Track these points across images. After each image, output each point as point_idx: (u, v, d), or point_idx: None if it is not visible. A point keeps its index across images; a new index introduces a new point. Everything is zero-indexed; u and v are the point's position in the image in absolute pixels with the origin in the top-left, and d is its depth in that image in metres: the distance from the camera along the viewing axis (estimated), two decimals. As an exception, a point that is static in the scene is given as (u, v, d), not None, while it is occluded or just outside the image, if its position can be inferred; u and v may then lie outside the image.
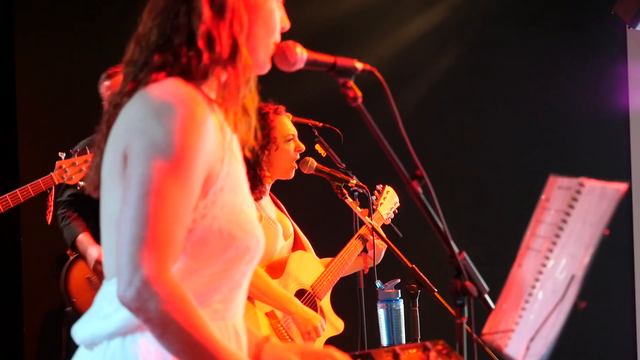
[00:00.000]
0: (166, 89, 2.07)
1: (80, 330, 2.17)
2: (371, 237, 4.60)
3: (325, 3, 7.15)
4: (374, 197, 4.88)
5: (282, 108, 4.62)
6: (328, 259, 4.79)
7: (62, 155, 5.15)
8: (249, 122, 2.28)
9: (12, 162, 6.42)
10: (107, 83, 5.41)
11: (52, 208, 5.29)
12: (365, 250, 4.65)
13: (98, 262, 5.24)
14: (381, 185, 5.03)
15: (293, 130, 4.62)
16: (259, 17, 2.22)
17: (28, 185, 5.11)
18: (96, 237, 5.40)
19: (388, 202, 4.98)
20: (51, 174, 5.11)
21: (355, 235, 4.75)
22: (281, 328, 4.40)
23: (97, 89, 5.40)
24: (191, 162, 2.02)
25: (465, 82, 7.34)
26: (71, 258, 5.46)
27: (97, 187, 2.23)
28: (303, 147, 4.62)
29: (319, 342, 4.56)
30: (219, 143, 2.13)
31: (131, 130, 2.05)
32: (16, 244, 6.47)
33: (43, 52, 6.61)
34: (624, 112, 7.36)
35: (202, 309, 2.06)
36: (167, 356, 2.04)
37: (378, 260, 4.70)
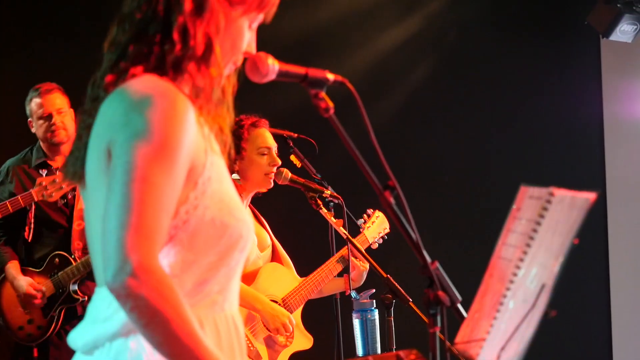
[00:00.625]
0: (144, 84, 2.08)
1: (80, 336, 2.17)
2: (352, 259, 4.62)
3: (300, 14, 7.15)
4: (362, 221, 4.91)
5: (262, 121, 4.65)
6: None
7: (44, 172, 5.16)
8: (223, 139, 2.30)
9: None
10: (37, 100, 5.42)
11: (32, 225, 5.28)
12: (347, 271, 4.65)
13: (27, 295, 5.23)
14: (372, 210, 5.05)
15: (269, 144, 4.64)
16: (229, 29, 2.23)
17: (7, 201, 5.10)
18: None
19: (377, 226, 5.00)
20: (31, 190, 5.11)
21: (335, 257, 4.76)
22: (249, 333, 4.42)
23: (75, 99, 5.36)
24: (175, 149, 2.03)
25: (441, 92, 7.36)
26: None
27: (76, 175, 2.24)
28: (279, 162, 4.64)
29: (285, 355, 4.57)
30: (200, 134, 2.14)
31: (113, 126, 2.06)
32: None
33: (19, 67, 6.59)
34: (598, 121, 7.40)
35: (203, 299, 2.11)
36: None
37: (360, 282, 4.72)
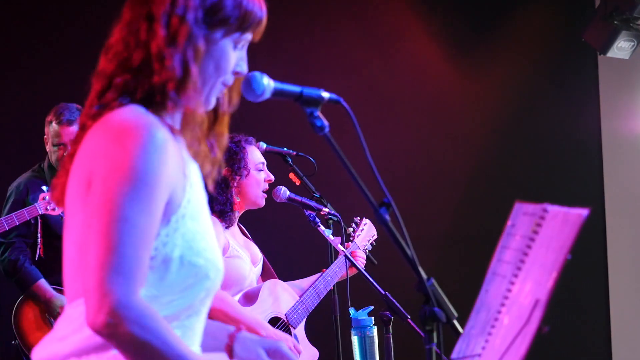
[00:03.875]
0: (127, 115, 2.09)
1: (38, 352, 2.19)
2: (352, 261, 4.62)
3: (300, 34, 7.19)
4: (351, 229, 4.93)
5: (252, 139, 4.68)
6: (307, 280, 4.82)
7: (45, 188, 5.19)
8: (212, 159, 2.31)
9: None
10: (56, 128, 5.44)
11: (42, 240, 5.30)
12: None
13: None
14: (359, 218, 5.07)
15: (263, 159, 4.67)
16: (210, 52, 2.22)
17: (12, 214, 5.13)
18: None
19: (365, 234, 5.02)
20: (35, 204, 5.14)
21: (331, 268, 4.78)
22: None
23: (73, 91, 5.36)
24: (155, 186, 2.04)
25: (439, 108, 7.38)
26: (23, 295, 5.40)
27: (60, 200, 2.25)
28: (272, 178, 4.68)
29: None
30: (180, 169, 2.15)
31: (94, 156, 2.08)
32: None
33: (17, 73, 6.60)
34: (596, 137, 7.42)
35: None
36: None
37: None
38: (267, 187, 4.66)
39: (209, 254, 2.19)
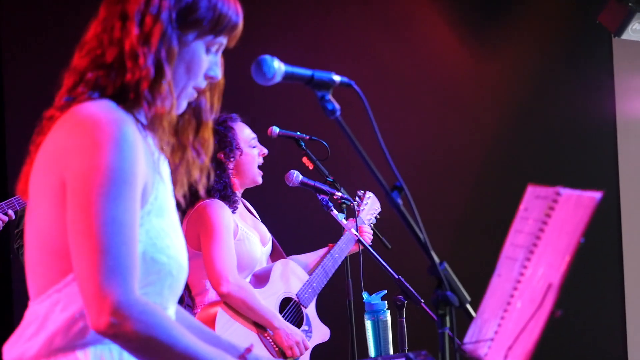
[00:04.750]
0: (96, 109, 2.09)
1: (7, 351, 2.19)
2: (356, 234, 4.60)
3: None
4: (354, 203, 4.90)
5: (235, 115, 4.60)
6: (312, 255, 4.83)
7: None
8: (200, 165, 2.31)
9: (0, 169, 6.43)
10: None
11: None
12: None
13: None
14: (362, 192, 5.05)
15: (254, 135, 4.63)
16: (182, 53, 2.21)
17: (12, 198, 5.07)
18: None
19: (369, 207, 5.00)
20: None
21: (338, 244, 4.78)
22: (269, 338, 4.43)
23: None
24: (132, 182, 2.05)
25: (452, 91, 7.35)
26: None
27: (24, 193, 2.24)
28: (266, 151, 4.65)
29: (307, 351, 4.58)
30: (150, 165, 2.15)
31: (65, 151, 2.07)
32: (6, 257, 6.46)
33: (30, 54, 6.60)
34: (610, 120, 7.38)
35: None
36: None
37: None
38: (262, 161, 4.63)
39: (172, 252, 2.19)
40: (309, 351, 4.59)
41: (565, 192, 2.09)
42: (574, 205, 2.06)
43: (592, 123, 7.41)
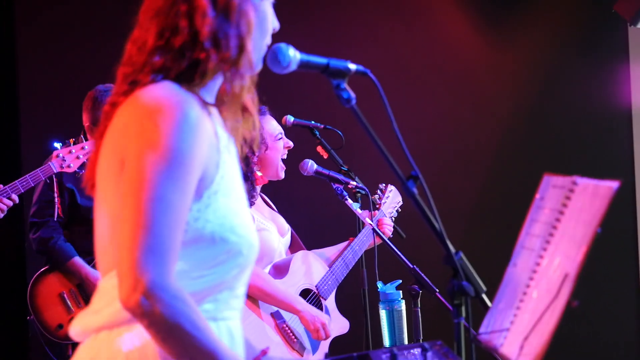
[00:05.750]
0: (160, 92, 2.08)
1: (75, 325, 2.21)
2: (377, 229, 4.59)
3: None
4: (376, 196, 4.88)
5: (264, 108, 4.58)
6: (333, 248, 4.81)
7: (59, 145, 5.09)
8: (252, 121, 2.31)
9: (14, 157, 6.43)
10: None
11: (59, 200, 5.24)
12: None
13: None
14: (384, 185, 5.04)
15: (280, 129, 4.61)
16: (258, 19, 2.21)
17: (27, 175, 5.04)
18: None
19: (391, 200, 4.99)
20: (49, 163, 5.01)
21: (358, 238, 4.77)
22: (287, 328, 4.42)
23: (98, 81, 5.34)
24: (189, 165, 2.04)
25: (467, 81, 7.34)
26: (44, 268, 5.34)
27: (94, 185, 2.24)
28: (291, 144, 4.61)
29: (326, 341, 4.57)
30: (214, 146, 2.13)
31: (127, 134, 2.07)
32: (20, 245, 6.48)
33: (44, 44, 6.61)
34: (626, 110, 7.35)
35: None
36: (149, 352, 2.07)
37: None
38: (285, 154, 4.61)
39: (241, 230, 2.18)
40: (328, 341, 4.58)
41: (582, 181, 2.08)
42: (591, 194, 2.04)
43: (607, 112, 7.37)
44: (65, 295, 5.30)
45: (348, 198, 4.54)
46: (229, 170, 2.20)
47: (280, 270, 4.56)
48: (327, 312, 4.65)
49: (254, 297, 4.35)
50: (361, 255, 4.73)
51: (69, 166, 5.04)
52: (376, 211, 4.80)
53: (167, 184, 2.01)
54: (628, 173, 7.25)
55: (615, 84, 7.37)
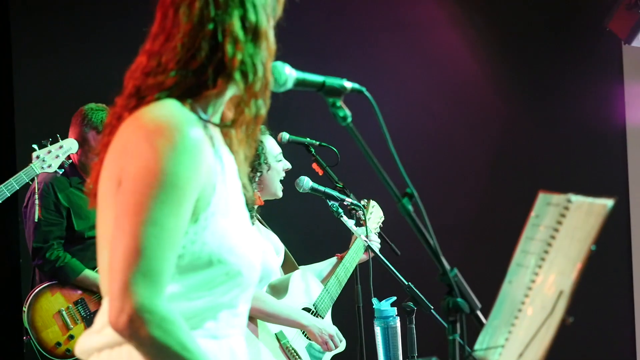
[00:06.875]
0: (161, 112, 2.07)
1: (80, 344, 2.22)
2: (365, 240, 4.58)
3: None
4: (360, 213, 4.86)
5: (263, 127, 4.55)
6: (323, 264, 4.81)
7: (36, 146, 5.10)
8: (256, 140, 2.30)
9: (9, 161, 6.42)
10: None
11: (40, 202, 5.21)
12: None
13: None
14: (366, 200, 5.02)
15: (280, 149, 4.60)
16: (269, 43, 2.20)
17: (11, 179, 5.05)
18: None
19: (374, 216, 4.98)
20: (30, 164, 5.04)
21: (348, 253, 4.76)
22: (291, 347, 4.41)
23: (94, 84, 5.35)
24: (184, 188, 2.03)
25: (461, 97, 7.35)
26: (39, 287, 5.33)
27: (96, 194, 2.23)
28: (290, 166, 4.60)
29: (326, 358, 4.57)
30: (212, 167, 2.12)
31: (125, 154, 2.06)
32: (15, 251, 6.46)
33: (40, 47, 6.61)
34: (620, 128, 7.38)
35: (193, 331, 2.09)
36: None
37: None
38: (283, 176, 4.59)
39: (241, 250, 2.17)
40: (328, 357, 4.58)
41: (577, 199, 2.09)
42: (586, 212, 2.05)
43: (602, 130, 7.40)
44: (64, 312, 5.29)
45: (344, 215, 4.55)
46: (228, 189, 2.18)
47: (277, 290, 4.53)
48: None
49: (257, 318, 4.33)
50: (355, 272, 4.73)
51: (49, 166, 5.07)
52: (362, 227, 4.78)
53: (161, 208, 2.00)
54: (622, 190, 7.26)
55: (609, 102, 7.40)
